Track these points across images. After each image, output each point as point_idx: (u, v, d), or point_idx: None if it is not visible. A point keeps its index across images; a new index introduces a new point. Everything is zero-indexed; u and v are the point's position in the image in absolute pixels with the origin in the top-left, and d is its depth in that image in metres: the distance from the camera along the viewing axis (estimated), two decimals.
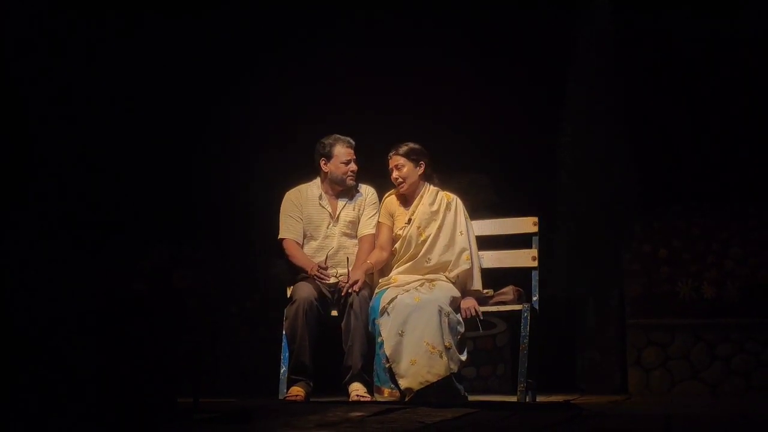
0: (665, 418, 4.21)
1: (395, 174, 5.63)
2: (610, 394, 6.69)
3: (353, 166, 5.70)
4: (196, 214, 7.20)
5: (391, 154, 5.67)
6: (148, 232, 6.90)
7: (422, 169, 5.65)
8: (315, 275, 5.44)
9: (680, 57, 7.07)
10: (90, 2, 6.07)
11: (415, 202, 5.65)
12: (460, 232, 5.58)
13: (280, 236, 5.70)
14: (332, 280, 5.55)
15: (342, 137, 5.73)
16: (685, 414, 4.62)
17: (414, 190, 5.66)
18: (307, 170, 5.83)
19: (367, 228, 5.70)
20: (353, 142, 5.73)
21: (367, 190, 5.82)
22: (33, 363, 3.53)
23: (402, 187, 5.64)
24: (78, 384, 3.50)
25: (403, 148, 5.65)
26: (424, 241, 5.56)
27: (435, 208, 5.61)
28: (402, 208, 5.68)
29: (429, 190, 5.68)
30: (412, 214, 5.62)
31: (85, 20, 6.20)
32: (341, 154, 5.69)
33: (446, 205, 5.63)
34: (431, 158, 5.70)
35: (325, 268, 5.48)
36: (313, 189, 5.77)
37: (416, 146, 5.66)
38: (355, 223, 5.72)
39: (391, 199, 5.74)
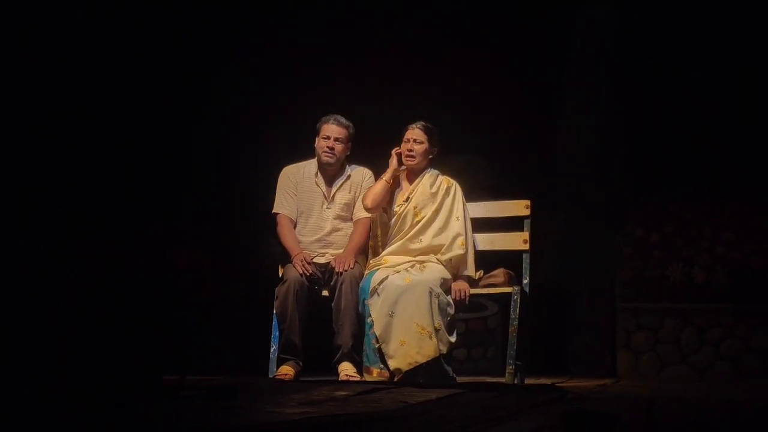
0: (648, 402, 4.24)
1: (410, 146, 5.57)
2: (600, 378, 6.72)
3: (330, 143, 5.61)
4: (192, 192, 7.23)
5: (412, 126, 5.60)
6: (143, 208, 6.93)
7: (434, 153, 5.66)
8: (296, 266, 5.45)
9: (677, 43, 7.07)
10: None
11: (416, 182, 5.64)
12: (457, 217, 5.59)
13: (273, 210, 5.71)
14: (323, 260, 5.58)
15: (335, 116, 5.69)
16: (669, 398, 4.65)
17: (418, 170, 5.65)
18: (306, 150, 5.83)
19: (362, 211, 5.67)
20: (345, 122, 5.67)
21: (363, 173, 5.77)
22: (21, 338, 3.57)
23: (411, 160, 5.59)
24: (64, 358, 3.54)
25: (427, 126, 5.61)
26: (419, 221, 5.57)
27: (434, 190, 5.61)
28: (401, 187, 5.68)
29: (431, 173, 5.67)
30: (411, 193, 5.62)
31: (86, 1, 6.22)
32: (324, 129, 5.65)
33: (446, 190, 5.62)
34: (441, 147, 5.70)
35: (310, 263, 5.48)
36: (310, 167, 5.76)
37: (435, 129, 5.66)
38: (350, 206, 5.71)
39: None
